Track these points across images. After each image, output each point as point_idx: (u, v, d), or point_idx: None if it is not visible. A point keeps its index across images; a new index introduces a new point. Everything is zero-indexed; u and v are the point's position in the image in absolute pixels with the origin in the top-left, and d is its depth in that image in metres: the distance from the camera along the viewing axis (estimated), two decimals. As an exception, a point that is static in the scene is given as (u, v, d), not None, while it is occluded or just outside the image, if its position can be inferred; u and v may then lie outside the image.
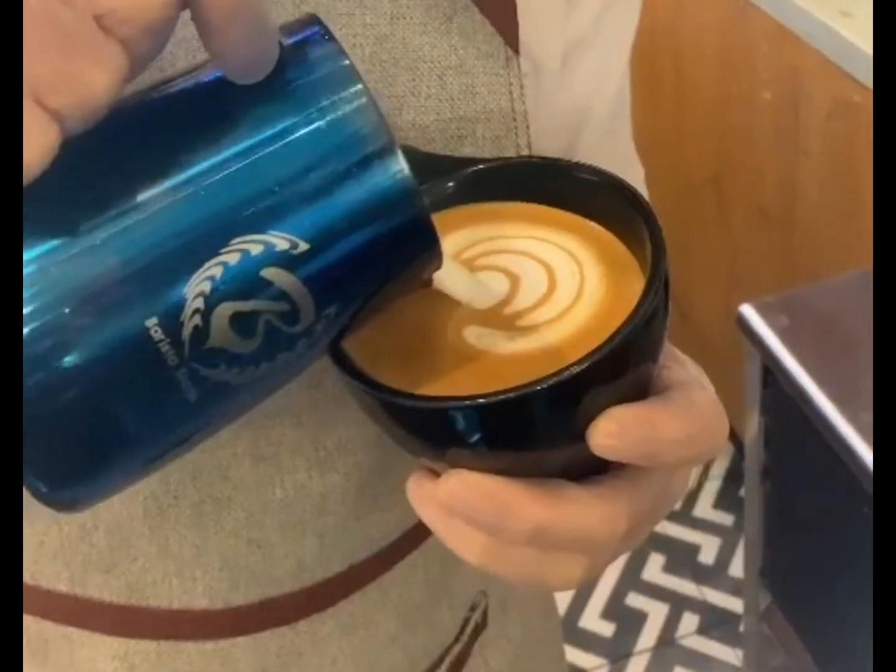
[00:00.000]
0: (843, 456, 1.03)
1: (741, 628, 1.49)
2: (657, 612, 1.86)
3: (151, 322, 0.31)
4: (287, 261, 0.32)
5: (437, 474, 0.38)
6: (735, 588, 1.86)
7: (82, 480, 0.33)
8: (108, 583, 0.53)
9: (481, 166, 0.44)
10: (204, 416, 0.34)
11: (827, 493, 1.14)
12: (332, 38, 0.34)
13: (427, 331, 0.39)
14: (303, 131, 0.33)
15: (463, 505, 0.36)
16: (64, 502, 0.33)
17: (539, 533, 0.36)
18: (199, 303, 0.32)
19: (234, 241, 0.32)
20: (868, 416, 1.03)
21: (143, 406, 0.32)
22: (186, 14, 0.30)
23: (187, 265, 0.32)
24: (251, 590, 0.54)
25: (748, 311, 1.17)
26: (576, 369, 0.35)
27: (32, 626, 0.55)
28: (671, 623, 1.85)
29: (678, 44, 1.86)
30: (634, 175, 0.65)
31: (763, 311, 1.16)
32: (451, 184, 0.44)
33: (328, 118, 0.33)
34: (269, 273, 0.32)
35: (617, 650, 1.82)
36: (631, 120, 0.63)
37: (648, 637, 1.83)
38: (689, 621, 1.85)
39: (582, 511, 0.37)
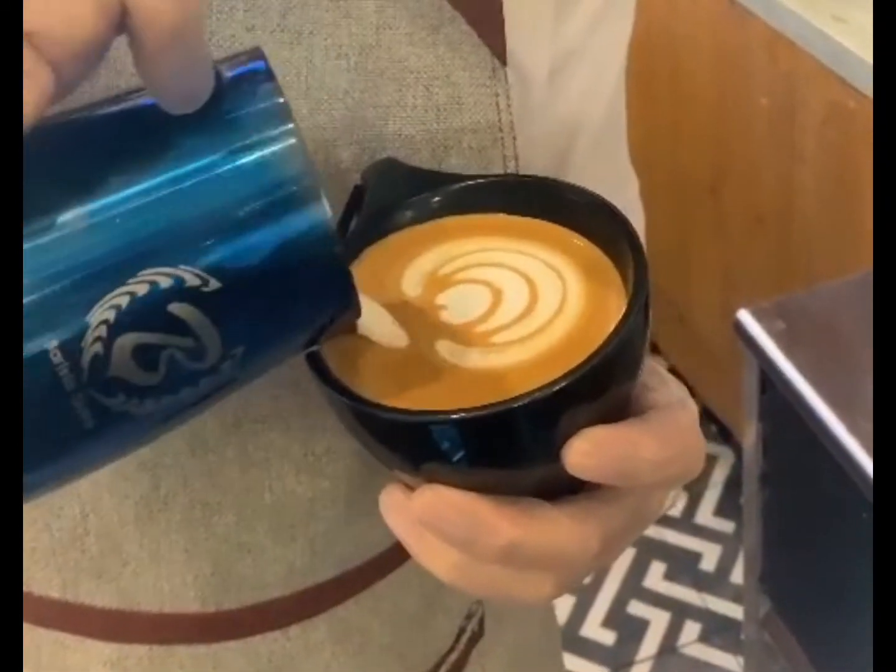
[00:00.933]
0: (841, 462, 1.03)
1: (742, 636, 1.49)
2: (659, 620, 1.86)
3: (52, 344, 0.31)
4: (196, 297, 0.32)
5: (410, 489, 0.38)
6: (736, 595, 1.85)
7: None
8: (99, 588, 0.53)
9: (469, 182, 0.44)
10: (101, 444, 0.34)
11: (826, 499, 1.14)
12: (270, 76, 0.33)
13: (412, 343, 0.39)
14: (226, 167, 0.32)
15: (437, 519, 0.36)
16: None
17: (511, 550, 0.36)
18: (102, 331, 0.31)
19: (143, 272, 0.31)
20: (866, 422, 1.02)
21: (38, 428, 0.32)
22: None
23: (94, 291, 0.31)
24: (243, 594, 0.54)
25: (745, 316, 1.17)
26: (555, 387, 0.35)
27: (26, 632, 0.55)
28: (673, 631, 1.84)
29: (673, 50, 1.86)
30: (629, 188, 0.65)
31: (760, 316, 1.16)
32: (436, 199, 0.44)
33: (254, 156, 0.32)
34: (176, 308, 0.32)
35: (618, 658, 1.81)
36: (626, 128, 0.63)
37: (650, 645, 1.83)
38: (691, 629, 1.84)
39: (554, 530, 0.37)
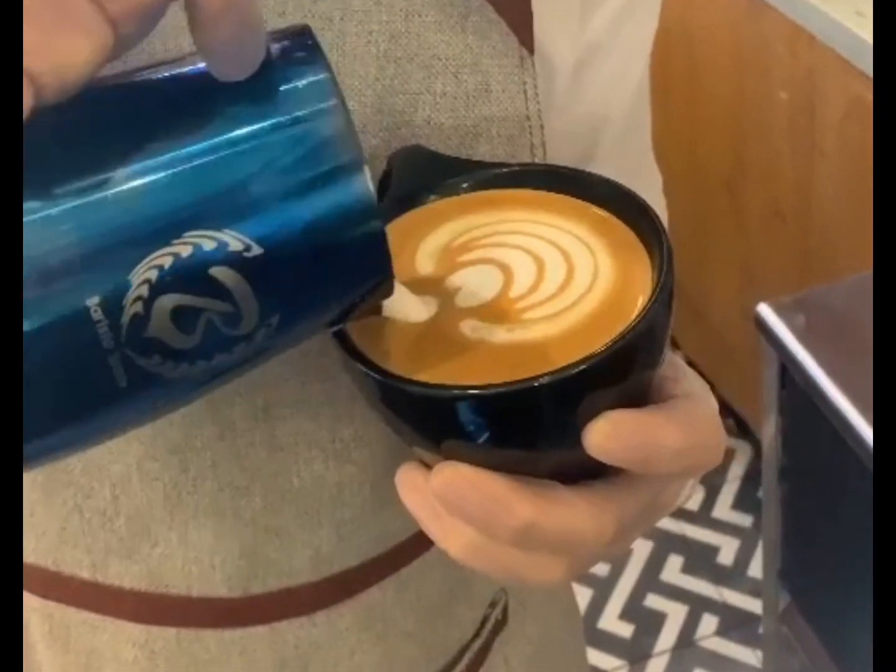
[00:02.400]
0: (861, 456, 1.03)
1: (760, 630, 1.49)
2: (676, 614, 1.86)
3: (93, 301, 0.31)
4: (238, 262, 0.32)
5: (428, 467, 0.38)
6: (754, 589, 1.86)
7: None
8: (128, 569, 0.54)
9: (495, 167, 0.45)
10: (130, 406, 0.34)
11: (845, 493, 1.14)
12: (318, 50, 0.34)
13: (434, 320, 0.39)
14: (273, 136, 0.33)
15: (455, 496, 0.36)
16: None
17: (527, 531, 0.36)
18: (144, 290, 0.31)
19: (188, 234, 0.32)
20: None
21: (71, 385, 0.32)
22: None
23: (137, 251, 0.31)
24: (270, 579, 0.54)
25: (765, 310, 1.17)
26: (579, 367, 0.35)
27: (55, 612, 0.56)
28: (690, 624, 1.84)
29: (692, 45, 1.86)
30: (653, 183, 0.65)
31: (780, 310, 1.16)
32: (461, 181, 0.44)
33: (300, 127, 0.33)
34: (217, 272, 0.32)
35: (636, 651, 1.81)
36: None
37: (667, 638, 1.83)
38: (709, 622, 1.84)
39: (571, 514, 0.37)
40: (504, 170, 0.45)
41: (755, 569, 1.89)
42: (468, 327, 0.39)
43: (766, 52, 1.66)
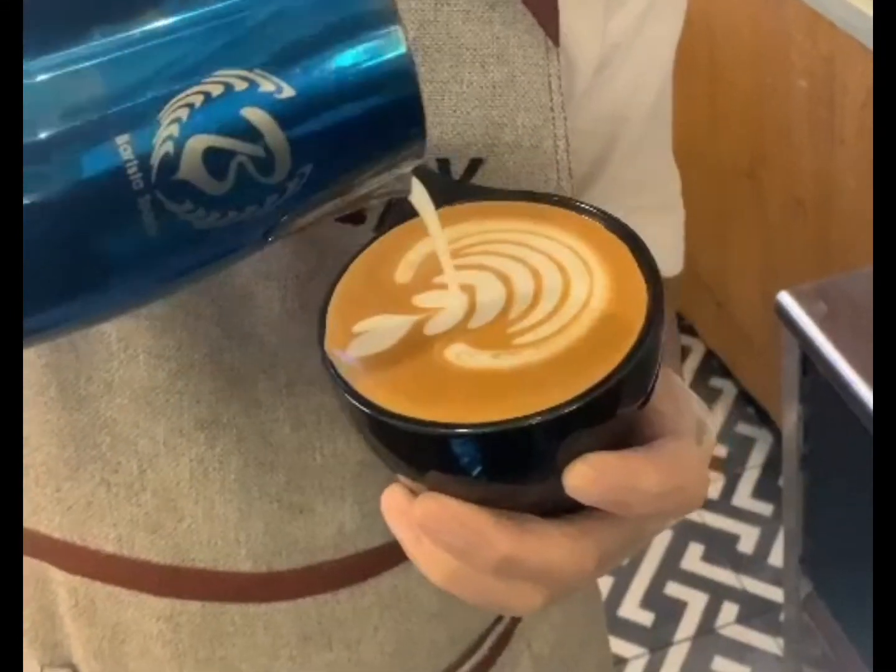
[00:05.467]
0: (882, 443, 1.03)
1: (781, 617, 1.49)
2: (696, 602, 1.86)
3: (122, 140, 0.30)
4: (270, 104, 0.31)
5: (412, 491, 0.38)
6: (774, 577, 1.86)
7: (34, 308, 0.32)
8: (154, 543, 0.54)
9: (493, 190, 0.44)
10: (161, 259, 0.33)
11: (867, 480, 1.14)
12: None
13: (422, 346, 0.38)
14: None
15: (436, 527, 0.37)
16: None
17: (505, 564, 0.37)
18: (174, 129, 0.31)
19: (218, 73, 0.31)
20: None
21: (103, 232, 0.31)
22: None
23: (166, 88, 0.31)
24: (294, 556, 0.55)
25: (786, 298, 1.17)
26: (561, 411, 0.35)
27: (80, 586, 0.56)
28: (710, 612, 1.85)
29: (712, 33, 1.86)
30: (671, 185, 0.66)
31: (801, 298, 1.16)
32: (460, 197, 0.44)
33: None
34: (249, 112, 0.31)
35: (656, 639, 1.82)
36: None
37: (688, 626, 1.83)
38: (729, 610, 1.85)
39: (550, 548, 0.37)
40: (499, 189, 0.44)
41: (775, 557, 1.89)
42: (453, 352, 0.38)
43: (785, 40, 1.66)
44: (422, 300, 0.40)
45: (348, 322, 0.39)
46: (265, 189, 0.33)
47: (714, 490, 2.02)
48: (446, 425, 0.35)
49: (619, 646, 1.79)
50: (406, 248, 0.42)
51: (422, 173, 0.44)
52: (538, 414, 0.35)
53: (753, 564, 1.91)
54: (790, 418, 1.25)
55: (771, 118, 1.77)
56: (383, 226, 0.43)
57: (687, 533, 1.96)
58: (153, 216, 0.31)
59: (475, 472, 0.36)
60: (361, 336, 0.39)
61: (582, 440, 0.36)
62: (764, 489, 2.02)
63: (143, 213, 0.31)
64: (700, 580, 1.90)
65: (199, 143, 0.31)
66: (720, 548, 1.94)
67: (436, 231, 0.39)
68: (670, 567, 1.92)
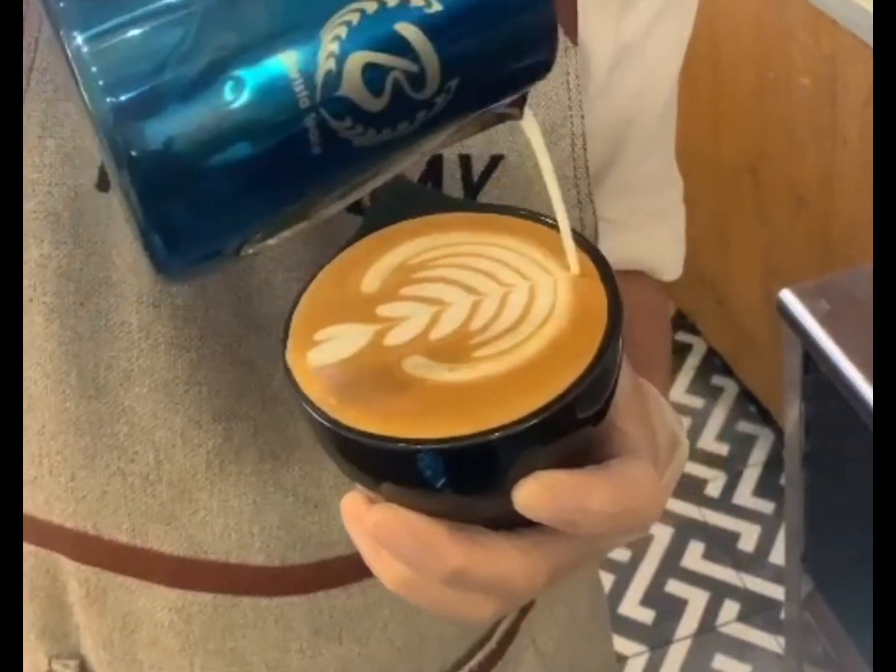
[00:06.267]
0: (884, 441, 1.03)
1: (782, 615, 1.49)
2: (697, 600, 1.86)
3: (288, 58, 0.32)
4: (420, 19, 0.33)
5: (371, 499, 0.39)
6: (775, 575, 1.86)
7: (201, 234, 0.34)
8: (168, 534, 0.54)
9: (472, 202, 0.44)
10: (322, 176, 0.35)
11: (868, 478, 1.14)
12: None
13: (382, 356, 0.38)
14: None
15: (389, 538, 0.37)
16: (175, 265, 0.34)
17: (458, 575, 0.37)
18: (335, 47, 0.32)
19: None
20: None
21: (272, 150, 0.33)
22: None
23: (326, 6, 0.33)
24: (307, 550, 0.55)
25: (788, 296, 1.17)
26: (513, 429, 0.35)
27: (92, 576, 0.57)
28: (711, 610, 1.85)
29: (714, 31, 1.86)
30: (673, 191, 0.66)
31: (803, 296, 1.16)
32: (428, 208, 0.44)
33: None
34: (402, 28, 0.33)
35: (657, 637, 1.82)
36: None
37: (688, 624, 1.83)
38: (730, 608, 1.85)
39: (502, 561, 0.38)
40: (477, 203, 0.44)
41: (776, 555, 1.89)
42: (411, 364, 0.38)
43: (787, 38, 1.66)
44: (386, 310, 0.39)
45: (312, 330, 0.39)
46: (417, 105, 0.34)
47: (715, 488, 2.02)
48: (399, 440, 0.35)
49: (619, 643, 1.79)
50: (375, 259, 0.42)
51: (402, 185, 0.44)
52: (494, 430, 0.35)
53: (754, 562, 1.91)
54: (792, 416, 1.25)
55: (773, 116, 1.77)
56: (355, 236, 0.43)
57: (688, 531, 1.96)
58: (318, 134, 0.33)
59: (427, 486, 0.36)
60: (322, 344, 0.39)
61: (535, 457, 0.36)
62: (765, 487, 2.02)
63: (310, 132, 0.33)
64: (701, 578, 1.90)
65: (358, 59, 0.33)
66: (721, 546, 1.94)
67: (546, 165, 0.40)
68: (671, 565, 1.92)
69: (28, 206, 0.49)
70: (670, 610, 1.86)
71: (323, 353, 0.38)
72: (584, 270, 0.40)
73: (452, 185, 0.50)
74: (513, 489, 0.36)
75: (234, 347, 0.51)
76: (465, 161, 0.49)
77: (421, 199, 0.44)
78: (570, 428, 0.37)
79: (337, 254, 0.42)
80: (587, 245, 0.41)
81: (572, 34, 0.49)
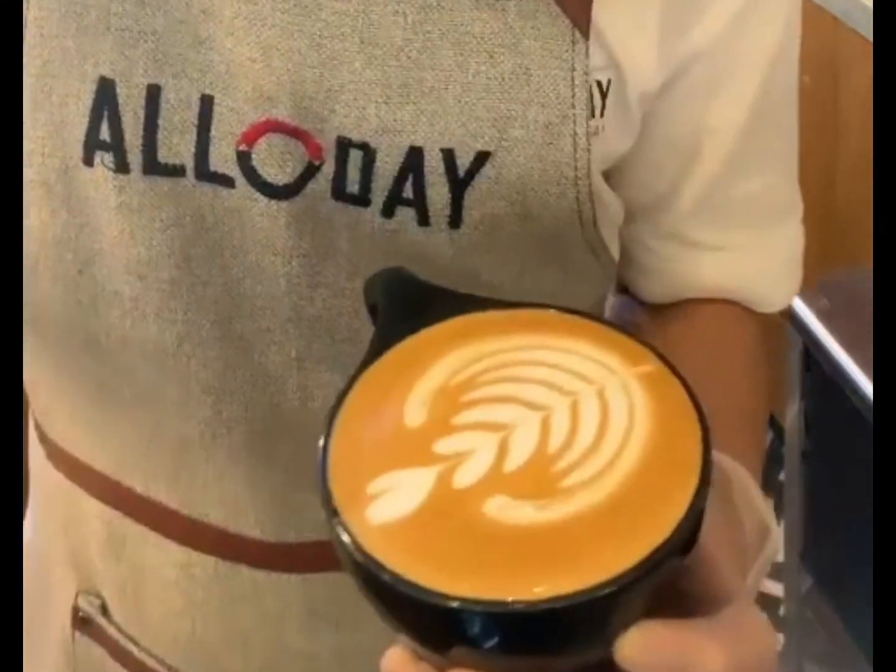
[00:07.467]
0: (885, 438, 1.03)
1: (782, 612, 1.49)
2: (697, 597, 1.86)
3: None
4: None
5: (415, 653, 0.35)
6: (774, 572, 1.85)
7: None
8: (175, 492, 0.56)
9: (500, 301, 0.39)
10: None
11: (868, 475, 1.14)
12: None
13: (453, 502, 0.33)
14: None
15: None
16: None
17: None
18: None
19: None
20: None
21: None
22: None
23: None
24: (302, 529, 0.55)
25: (788, 294, 1.16)
26: (599, 592, 0.31)
27: (115, 520, 0.58)
28: (711, 607, 1.85)
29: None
30: (791, 219, 0.63)
31: (803, 293, 1.15)
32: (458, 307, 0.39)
33: None
34: None
35: (657, 634, 1.82)
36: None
37: (688, 621, 1.83)
38: (729, 605, 1.84)
39: None
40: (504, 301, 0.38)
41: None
42: (492, 506, 0.32)
43: (788, 34, 1.65)
44: (443, 446, 0.34)
45: (361, 481, 0.34)
46: None
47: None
48: (518, 603, 0.31)
49: (619, 640, 1.79)
50: (409, 383, 0.36)
51: (405, 283, 0.40)
52: (572, 595, 0.31)
53: (754, 559, 1.91)
54: (792, 413, 1.25)
55: (773, 113, 1.77)
56: (370, 354, 0.38)
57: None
58: None
59: (499, 648, 0.32)
60: (380, 498, 0.33)
61: (636, 606, 0.33)
62: (765, 484, 2.01)
63: None
64: (701, 575, 1.89)
65: None
66: (721, 542, 1.94)
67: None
68: (671, 562, 1.92)
69: (26, 174, 0.49)
70: (670, 606, 1.85)
71: (384, 508, 0.33)
72: (649, 361, 0.36)
73: (435, 180, 0.48)
74: (614, 641, 0.33)
75: (224, 324, 0.51)
76: (448, 154, 0.47)
77: (433, 299, 0.39)
78: (670, 572, 0.33)
79: (356, 376, 0.37)
80: (642, 339, 0.37)
81: (583, 27, 0.47)
